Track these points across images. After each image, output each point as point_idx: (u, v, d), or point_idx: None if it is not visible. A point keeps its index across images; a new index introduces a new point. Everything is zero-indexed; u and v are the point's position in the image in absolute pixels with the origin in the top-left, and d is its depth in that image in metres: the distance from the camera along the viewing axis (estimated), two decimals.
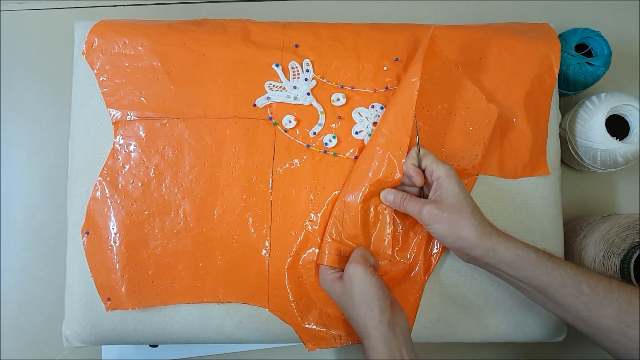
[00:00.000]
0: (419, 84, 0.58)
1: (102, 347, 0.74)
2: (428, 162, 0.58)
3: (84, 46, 0.65)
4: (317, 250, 0.61)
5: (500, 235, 0.54)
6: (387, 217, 0.61)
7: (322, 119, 0.63)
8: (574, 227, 0.71)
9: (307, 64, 0.64)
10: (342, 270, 0.59)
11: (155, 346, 0.73)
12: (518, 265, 0.53)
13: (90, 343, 0.64)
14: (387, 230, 0.61)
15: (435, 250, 0.62)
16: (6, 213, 0.77)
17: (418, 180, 0.58)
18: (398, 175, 0.58)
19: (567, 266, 0.52)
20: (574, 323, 0.53)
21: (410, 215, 0.58)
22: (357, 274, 0.55)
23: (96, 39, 0.65)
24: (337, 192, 0.62)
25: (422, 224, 0.57)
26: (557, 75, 0.65)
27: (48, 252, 0.76)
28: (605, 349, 0.52)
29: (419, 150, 0.59)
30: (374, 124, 0.63)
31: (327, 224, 0.61)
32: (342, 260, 0.59)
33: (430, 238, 0.62)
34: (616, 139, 0.67)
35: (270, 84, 0.63)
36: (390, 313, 0.55)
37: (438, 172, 0.57)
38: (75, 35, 0.67)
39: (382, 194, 0.60)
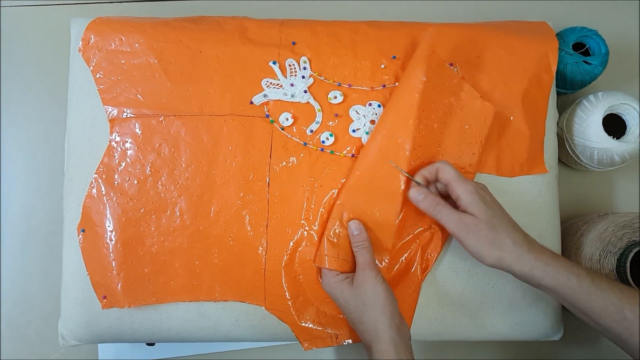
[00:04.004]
0: (421, 86, 0.58)
1: (99, 345, 0.74)
2: (451, 177, 0.56)
3: (80, 43, 0.65)
4: (313, 248, 0.61)
5: (537, 258, 0.53)
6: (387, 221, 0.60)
7: (319, 116, 0.63)
8: (570, 226, 0.71)
9: (305, 62, 0.64)
10: (343, 272, 0.59)
11: (152, 344, 0.73)
12: (559, 291, 0.52)
13: (87, 341, 0.64)
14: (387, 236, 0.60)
15: (433, 251, 0.62)
16: (2, 211, 0.77)
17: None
18: (400, 185, 0.58)
19: (611, 291, 0.51)
20: (613, 340, 0.53)
21: (441, 224, 0.56)
22: (370, 280, 0.56)
23: (92, 36, 0.65)
24: (334, 191, 0.62)
25: (454, 235, 0.56)
26: (554, 74, 0.65)
27: (44, 251, 0.76)
28: None
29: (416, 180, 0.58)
30: (372, 121, 0.62)
31: (324, 224, 0.61)
32: (342, 263, 0.59)
33: (429, 238, 0.62)
34: (613, 137, 0.67)
35: (267, 81, 0.63)
36: (399, 318, 0.56)
37: (460, 190, 0.55)
38: (71, 32, 0.66)
39: (412, 192, 0.58)
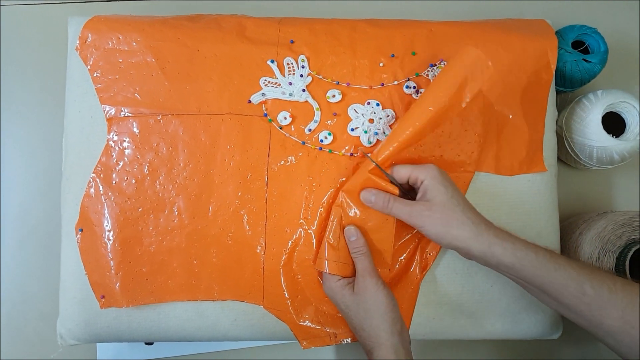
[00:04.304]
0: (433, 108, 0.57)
1: (97, 345, 0.74)
2: (408, 172, 0.57)
3: (78, 42, 0.64)
4: (312, 248, 0.61)
5: (497, 235, 0.53)
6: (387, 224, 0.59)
7: (317, 115, 0.62)
8: (569, 225, 0.71)
9: (303, 60, 0.63)
10: (345, 277, 0.58)
11: (151, 344, 0.73)
12: (517, 267, 0.52)
13: (85, 341, 0.64)
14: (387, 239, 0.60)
15: (432, 250, 0.62)
16: (0, 211, 0.76)
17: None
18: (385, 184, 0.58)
19: (570, 266, 0.51)
20: (575, 320, 0.52)
21: (397, 218, 0.57)
22: (370, 287, 0.56)
23: (90, 35, 0.64)
24: (332, 190, 0.61)
25: (413, 227, 0.56)
26: (554, 72, 0.65)
27: (42, 250, 0.76)
28: (608, 346, 0.51)
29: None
30: (370, 120, 0.62)
31: (323, 224, 0.61)
32: (342, 267, 0.58)
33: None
34: (612, 136, 0.67)
35: (265, 80, 0.63)
36: (400, 323, 0.55)
37: (422, 176, 0.55)
38: (69, 31, 0.66)
39: (363, 194, 0.58)
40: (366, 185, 0.58)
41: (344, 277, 0.58)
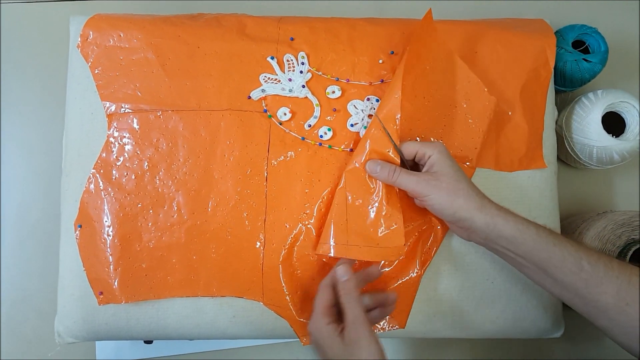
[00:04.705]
0: (406, 57, 0.58)
1: (96, 345, 0.74)
2: (416, 148, 0.57)
3: (79, 39, 0.65)
4: (312, 243, 0.60)
5: (499, 209, 0.53)
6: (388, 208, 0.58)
7: (317, 111, 0.63)
8: (569, 224, 0.71)
9: (303, 57, 0.64)
10: (334, 322, 0.53)
11: (150, 342, 0.73)
12: (518, 240, 0.52)
13: (83, 338, 0.63)
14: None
15: (432, 247, 0.62)
16: (0, 208, 0.77)
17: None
18: (389, 150, 0.57)
19: (568, 243, 0.52)
20: (571, 301, 0.52)
21: (403, 189, 0.57)
22: (364, 339, 0.50)
23: (91, 32, 0.65)
24: (331, 187, 0.61)
25: (418, 197, 0.56)
26: (552, 69, 0.65)
27: (42, 248, 0.76)
28: (602, 327, 0.51)
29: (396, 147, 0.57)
30: (369, 116, 0.62)
31: (323, 219, 0.60)
32: (352, 250, 0.56)
33: (428, 232, 0.61)
34: (612, 136, 0.67)
35: (265, 76, 0.63)
36: None
37: (429, 151, 0.56)
38: (70, 30, 0.67)
39: (368, 165, 0.57)
40: (370, 157, 0.58)
41: (335, 324, 0.53)
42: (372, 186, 0.58)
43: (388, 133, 0.57)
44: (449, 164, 0.55)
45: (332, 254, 0.57)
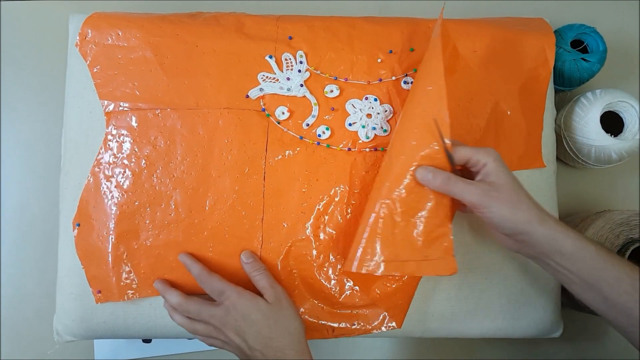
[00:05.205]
0: (441, 57, 0.54)
1: (95, 344, 0.74)
2: (469, 154, 0.53)
3: (78, 38, 0.65)
4: (312, 249, 0.60)
5: (558, 223, 0.51)
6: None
7: (315, 110, 0.63)
8: (567, 223, 0.70)
9: (301, 56, 0.63)
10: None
11: (149, 341, 0.73)
12: (576, 257, 0.50)
13: (81, 337, 0.63)
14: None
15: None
16: None
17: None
18: (437, 147, 0.53)
19: (626, 265, 0.50)
20: (616, 320, 0.51)
21: (457, 198, 0.52)
22: (284, 295, 0.59)
23: (89, 31, 0.65)
24: (336, 189, 0.61)
25: (476, 208, 0.51)
26: (552, 68, 0.65)
27: (40, 246, 0.76)
28: None
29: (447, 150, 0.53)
30: (368, 115, 0.62)
31: (320, 218, 0.61)
32: (405, 265, 0.53)
33: None
34: (611, 135, 0.67)
35: (263, 75, 0.63)
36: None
37: (484, 158, 0.52)
38: (69, 29, 0.66)
39: (419, 172, 0.52)
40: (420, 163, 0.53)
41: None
42: (422, 195, 0.53)
43: (442, 137, 0.53)
44: (506, 172, 0.52)
45: (381, 272, 0.53)
